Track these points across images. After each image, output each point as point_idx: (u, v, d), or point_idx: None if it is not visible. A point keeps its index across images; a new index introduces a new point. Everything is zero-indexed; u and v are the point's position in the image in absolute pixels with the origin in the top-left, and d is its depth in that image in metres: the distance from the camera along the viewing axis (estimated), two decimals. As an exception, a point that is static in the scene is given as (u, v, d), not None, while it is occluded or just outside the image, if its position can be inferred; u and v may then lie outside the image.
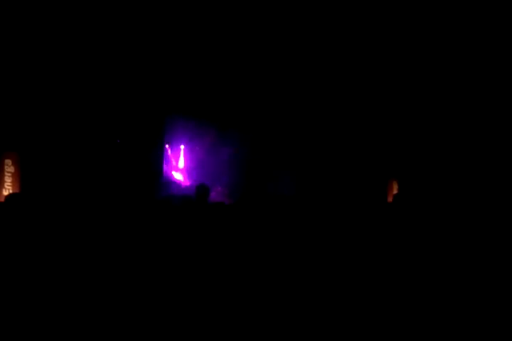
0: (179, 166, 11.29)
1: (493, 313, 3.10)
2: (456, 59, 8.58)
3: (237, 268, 3.48)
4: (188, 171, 11.33)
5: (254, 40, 9.09)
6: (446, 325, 3.07)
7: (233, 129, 10.97)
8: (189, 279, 3.41)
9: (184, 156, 11.32)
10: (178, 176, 11.20)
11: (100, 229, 3.85)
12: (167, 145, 10.93)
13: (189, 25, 8.66)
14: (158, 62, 9.38)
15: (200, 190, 4.60)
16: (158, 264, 3.49)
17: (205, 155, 11.31)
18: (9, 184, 8.10)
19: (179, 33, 8.85)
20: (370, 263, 3.58)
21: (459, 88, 8.79)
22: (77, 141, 8.76)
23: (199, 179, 10.81)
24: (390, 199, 8.99)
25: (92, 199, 6.98)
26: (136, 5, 8.04)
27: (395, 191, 9.39)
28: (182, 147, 11.36)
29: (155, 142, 10.20)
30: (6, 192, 7.99)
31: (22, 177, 8.24)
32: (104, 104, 9.10)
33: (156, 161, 10.24)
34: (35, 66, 8.28)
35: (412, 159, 9.52)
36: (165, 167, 10.75)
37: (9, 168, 8.15)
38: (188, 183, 11.07)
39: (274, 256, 3.59)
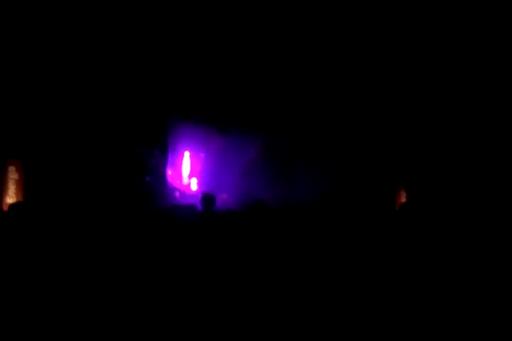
0: (184, 173, 11.24)
1: (494, 320, 3.07)
2: (467, 67, 8.52)
3: (242, 278, 3.45)
4: (192, 178, 11.28)
5: (257, 44, 9.08)
6: (447, 329, 3.05)
7: (239, 135, 10.92)
8: (194, 290, 3.37)
9: (189, 163, 11.27)
10: (182, 183, 11.14)
11: (104, 238, 3.81)
12: (171, 152, 10.88)
13: (194, 30, 8.66)
14: (162, 68, 9.38)
15: (206, 200, 4.55)
16: (161, 275, 3.45)
17: (211, 161, 11.26)
18: (13, 191, 8.09)
19: (183, 38, 8.85)
20: (375, 272, 3.54)
21: (472, 95, 8.71)
22: (80, 147, 8.76)
23: (204, 186, 10.76)
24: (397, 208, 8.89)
25: (95, 207, 6.95)
26: (141, 9, 8.04)
27: (404, 199, 9.27)
28: (187, 153, 11.31)
29: (158, 148, 10.20)
30: (9, 199, 7.99)
31: (26, 184, 8.23)
32: (107, 110, 9.10)
33: (160, 168, 10.23)
34: (38, 73, 8.29)
35: (422, 165, 9.40)
36: (169, 174, 10.71)
37: (13, 175, 8.15)
38: (192, 190, 11.02)
39: (279, 265, 3.55)
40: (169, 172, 10.70)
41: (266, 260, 3.58)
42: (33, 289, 3.13)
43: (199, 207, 4.71)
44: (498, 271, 3.43)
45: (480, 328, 3.06)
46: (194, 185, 11.15)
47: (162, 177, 10.38)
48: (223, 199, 10.11)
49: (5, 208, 7.36)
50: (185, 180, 11.16)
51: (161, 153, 10.35)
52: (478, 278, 3.38)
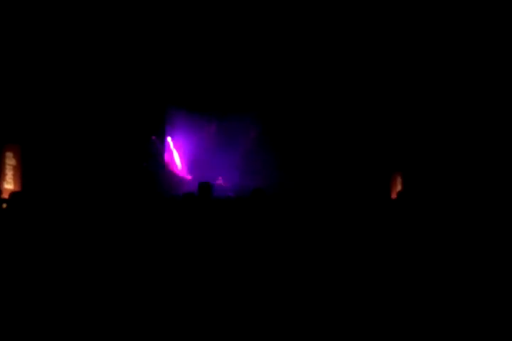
0: (181, 159, 11.23)
1: (493, 313, 3.08)
2: (457, 55, 8.50)
3: (240, 266, 3.46)
4: (188, 164, 11.27)
5: (252, 34, 9.00)
6: (446, 325, 3.06)
7: (235, 122, 10.90)
8: (193, 277, 3.39)
9: (185, 149, 11.26)
10: (179, 169, 11.15)
11: (103, 227, 3.83)
12: (168, 139, 10.86)
13: (186, 19, 8.58)
14: (159, 57, 9.31)
15: (203, 188, 4.53)
16: (161, 263, 3.47)
17: (207, 147, 11.25)
18: (11, 177, 8.06)
19: (178, 28, 8.78)
20: (371, 263, 3.55)
21: (466, 82, 8.69)
22: (79, 134, 8.73)
23: (199, 172, 10.77)
24: (393, 195, 8.92)
25: (94, 194, 6.95)
26: (137, 2, 7.97)
27: (399, 186, 9.29)
28: (183, 140, 11.28)
29: (156, 136, 10.18)
30: (7, 185, 7.97)
31: (23, 170, 8.21)
32: (105, 98, 9.05)
33: (158, 155, 10.23)
34: (36, 60, 8.21)
35: (417, 151, 9.38)
36: (166, 160, 10.71)
37: (11, 161, 8.10)
38: (189, 177, 11.03)
39: (276, 254, 3.56)
40: (167, 159, 10.71)
41: (265, 248, 3.59)
42: (34, 278, 3.13)
43: (197, 194, 4.70)
44: (497, 260, 3.43)
45: (479, 320, 3.05)
46: (190, 171, 11.16)
47: (160, 164, 10.39)
48: (219, 184, 10.17)
49: (4, 194, 7.38)
50: (183, 167, 11.18)
51: (158, 140, 10.35)
52: (480, 271, 3.37)
